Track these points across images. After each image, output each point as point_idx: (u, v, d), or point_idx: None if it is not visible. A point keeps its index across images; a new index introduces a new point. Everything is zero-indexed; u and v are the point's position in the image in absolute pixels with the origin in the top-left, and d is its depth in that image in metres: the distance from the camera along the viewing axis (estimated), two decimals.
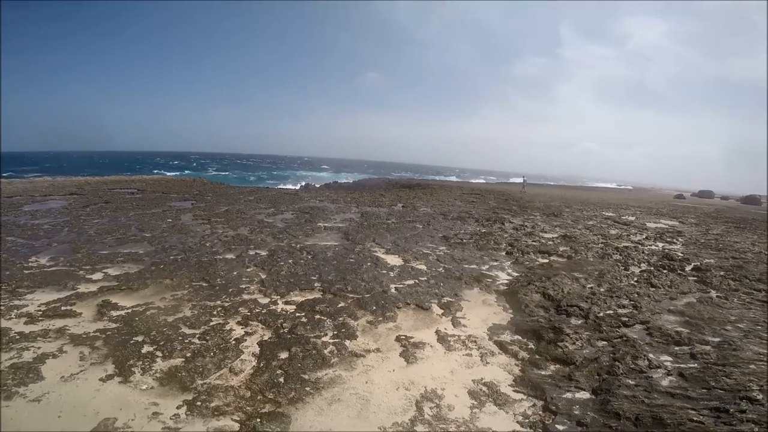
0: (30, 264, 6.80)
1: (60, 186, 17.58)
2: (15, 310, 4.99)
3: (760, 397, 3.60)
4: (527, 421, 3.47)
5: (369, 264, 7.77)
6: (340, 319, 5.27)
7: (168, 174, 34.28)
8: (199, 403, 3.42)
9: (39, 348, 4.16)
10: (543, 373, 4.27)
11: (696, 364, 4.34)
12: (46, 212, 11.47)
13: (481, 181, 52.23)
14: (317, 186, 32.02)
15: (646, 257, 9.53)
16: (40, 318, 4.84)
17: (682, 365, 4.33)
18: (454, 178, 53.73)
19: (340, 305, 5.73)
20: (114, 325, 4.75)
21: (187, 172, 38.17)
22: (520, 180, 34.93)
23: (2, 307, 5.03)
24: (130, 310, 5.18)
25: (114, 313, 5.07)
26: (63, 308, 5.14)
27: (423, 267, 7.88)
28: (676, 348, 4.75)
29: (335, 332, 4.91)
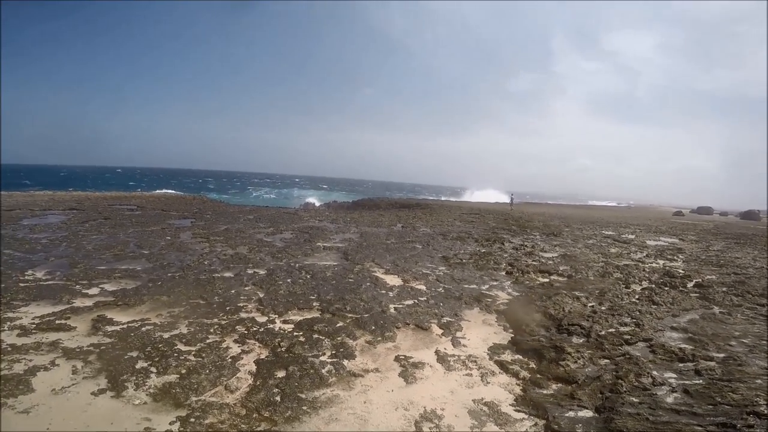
0: (26, 277, 6.76)
1: (60, 200, 17.60)
2: (8, 323, 4.95)
3: (767, 411, 3.52)
4: None
5: (368, 284, 7.71)
6: (339, 338, 5.20)
7: (168, 191, 34.32)
8: (192, 420, 3.35)
9: (31, 360, 4.10)
10: (545, 392, 4.19)
11: (701, 381, 4.27)
12: (44, 227, 11.46)
13: (488, 200, 51.96)
14: (317, 205, 32.10)
15: (647, 275, 9.47)
16: (33, 331, 4.79)
17: (686, 382, 4.26)
18: (453, 198, 53.71)
19: (338, 325, 5.65)
20: (108, 340, 4.68)
21: (184, 190, 38.51)
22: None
23: None
24: (125, 326, 5.12)
25: (109, 328, 5.01)
26: (57, 322, 5.08)
27: (422, 287, 7.81)
28: (680, 365, 4.68)
29: (333, 351, 4.84)
